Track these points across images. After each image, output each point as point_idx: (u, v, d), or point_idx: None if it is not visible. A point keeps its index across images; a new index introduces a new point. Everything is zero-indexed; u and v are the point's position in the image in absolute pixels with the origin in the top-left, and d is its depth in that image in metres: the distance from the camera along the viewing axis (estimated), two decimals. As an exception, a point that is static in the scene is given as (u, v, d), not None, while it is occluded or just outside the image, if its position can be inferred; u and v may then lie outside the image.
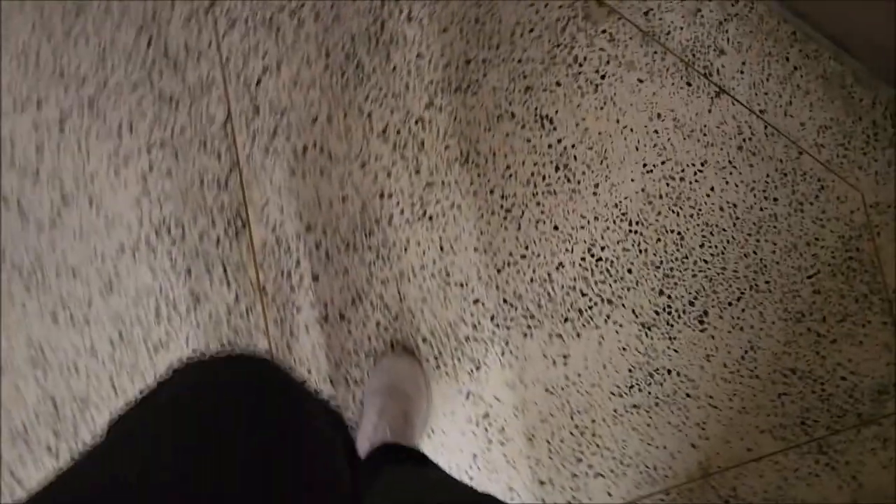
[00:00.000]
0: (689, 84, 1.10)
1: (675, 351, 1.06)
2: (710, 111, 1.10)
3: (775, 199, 1.11)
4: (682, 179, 1.08)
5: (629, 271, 1.05)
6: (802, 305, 1.10)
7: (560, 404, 1.02)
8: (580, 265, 1.04)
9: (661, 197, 1.07)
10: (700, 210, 1.08)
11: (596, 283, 1.04)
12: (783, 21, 1.15)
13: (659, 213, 1.06)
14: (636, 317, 1.05)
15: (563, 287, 1.03)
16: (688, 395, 1.05)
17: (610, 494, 1.02)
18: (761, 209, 1.10)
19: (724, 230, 1.08)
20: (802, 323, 1.09)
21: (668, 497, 1.04)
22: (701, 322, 1.06)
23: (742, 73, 1.12)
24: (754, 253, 1.09)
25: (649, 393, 1.04)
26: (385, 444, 0.78)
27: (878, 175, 1.17)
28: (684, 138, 1.09)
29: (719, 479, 1.05)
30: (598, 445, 1.02)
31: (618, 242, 1.05)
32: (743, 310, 1.08)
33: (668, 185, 1.07)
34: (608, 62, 1.07)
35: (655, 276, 1.06)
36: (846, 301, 1.12)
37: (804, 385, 1.08)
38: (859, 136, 1.17)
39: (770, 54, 1.13)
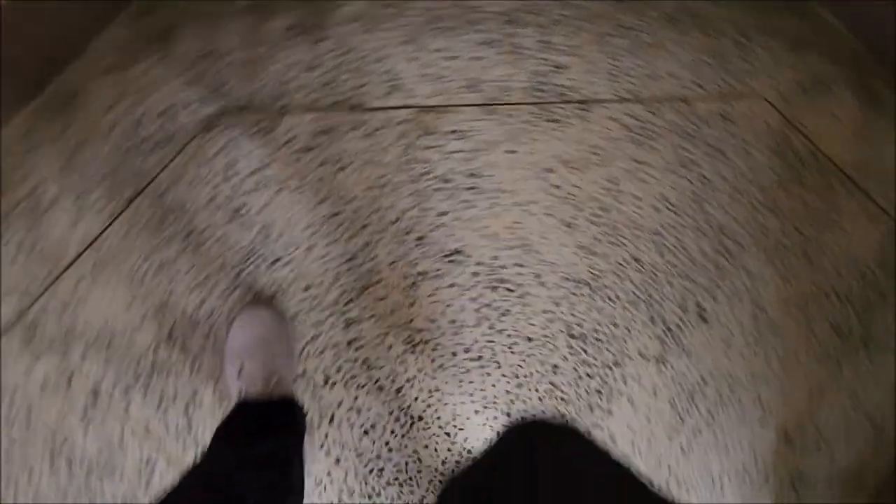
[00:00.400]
0: (555, 121, 1.02)
1: (698, 359, 1.04)
2: (589, 130, 1.03)
3: (695, 162, 1.06)
4: (605, 210, 1.03)
5: (615, 325, 1.02)
6: (776, 236, 1.07)
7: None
8: (570, 353, 1.01)
9: (598, 241, 1.02)
10: (639, 224, 1.03)
11: (594, 357, 1.01)
12: (589, 1, 1.05)
13: (606, 256, 1.02)
14: (646, 358, 1.03)
15: (569, 384, 1.01)
16: (731, 388, 1.05)
17: (722, 516, 1.04)
18: (689, 181, 1.06)
19: (670, 226, 1.04)
20: (785, 252, 1.07)
21: (769, 483, 1.06)
22: (703, 319, 1.05)
23: (592, 71, 1.04)
24: (707, 224, 1.05)
25: (700, 411, 1.04)
26: None
27: (767, 71, 1.11)
28: (583, 171, 1.03)
29: (800, 434, 1.07)
30: (687, 488, 1.03)
31: (589, 309, 1.01)
32: (731, 282, 1.05)
33: (596, 226, 1.02)
34: (472, 158, 1.00)
35: (639, 310, 1.03)
36: (809, 201, 1.09)
37: (820, 302, 1.07)
38: (730, 47, 1.10)
39: (605, 34, 1.05)
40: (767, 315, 1.07)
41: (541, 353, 1.00)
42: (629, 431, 1.03)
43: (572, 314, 1.01)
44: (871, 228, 1.10)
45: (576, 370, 1.02)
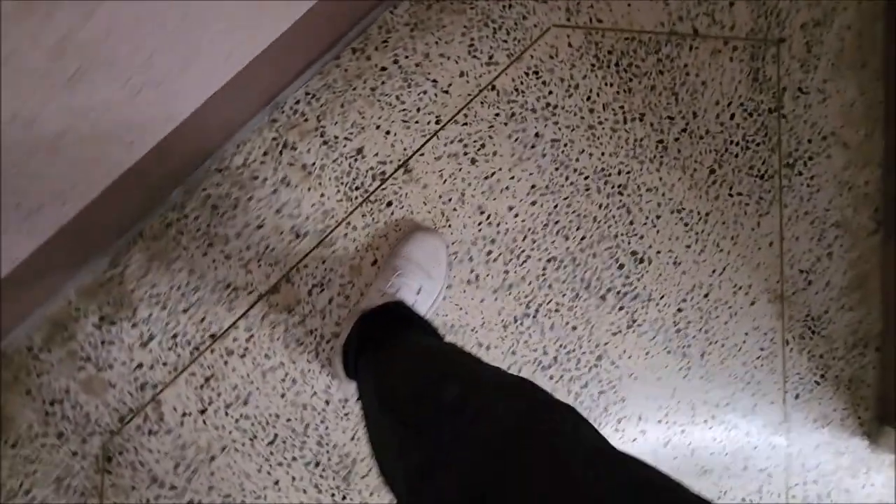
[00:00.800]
0: (389, 203, 0.95)
1: (661, 297, 1.01)
2: (424, 186, 0.96)
3: (537, 135, 0.99)
4: (493, 241, 0.97)
5: (574, 328, 0.99)
6: (651, 138, 1.01)
7: (672, 455, 1.02)
8: (556, 382, 0.98)
9: (507, 272, 0.97)
10: (531, 230, 0.98)
11: (577, 368, 0.99)
12: (336, 70, 0.94)
13: (523, 279, 0.97)
14: (618, 332, 1.00)
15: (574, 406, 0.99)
16: (706, 296, 1.03)
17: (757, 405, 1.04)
18: (542, 155, 0.99)
19: (556, 207, 0.99)
20: (667, 144, 1.02)
21: (791, 346, 1.05)
22: (642, 261, 1.01)
23: (387, 132, 0.95)
24: (586, 179, 1.00)
25: (694, 336, 1.02)
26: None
27: (543, 14, 1.01)
28: (448, 224, 0.96)
29: (786, 285, 1.05)
30: (730, 404, 1.03)
31: (542, 334, 0.98)
32: (640, 209, 1.01)
33: (496, 260, 0.97)
34: (346, 298, 0.93)
35: (584, 299, 0.99)
36: (658, 83, 1.02)
37: (727, 163, 1.03)
38: (489, 6, 0.99)
39: (373, 90, 0.95)
40: (693, 213, 1.02)
41: (532, 403, 0.98)
42: (650, 401, 1.02)
43: (532, 350, 0.98)
44: (725, 63, 1.03)
45: (570, 391, 0.99)
